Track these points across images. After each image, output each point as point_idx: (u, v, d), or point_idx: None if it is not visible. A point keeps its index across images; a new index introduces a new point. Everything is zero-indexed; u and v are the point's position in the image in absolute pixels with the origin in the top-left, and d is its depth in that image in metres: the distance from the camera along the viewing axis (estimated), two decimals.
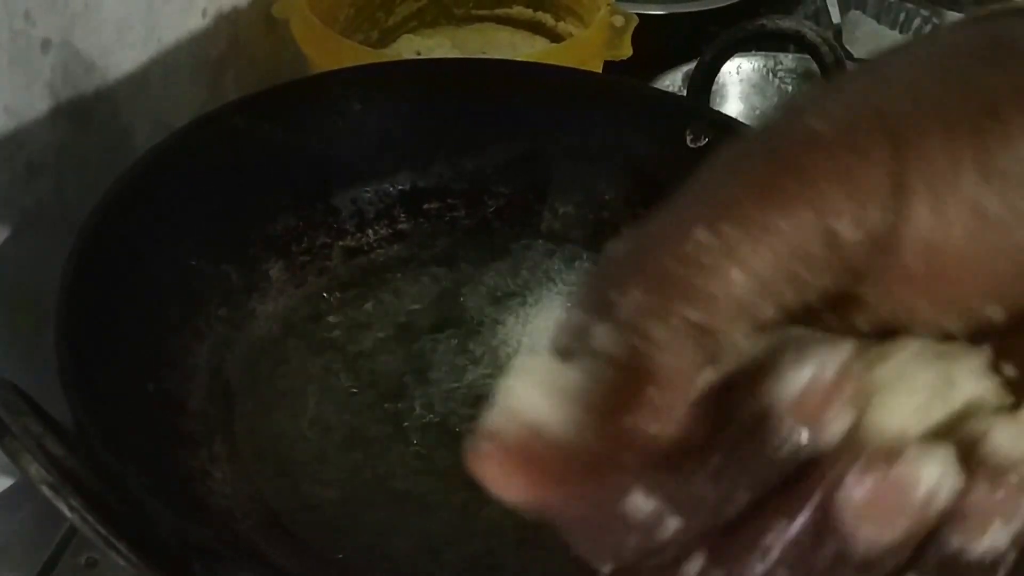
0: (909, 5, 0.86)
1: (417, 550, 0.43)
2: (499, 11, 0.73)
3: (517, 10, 0.73)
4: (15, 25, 0.45)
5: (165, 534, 0.34)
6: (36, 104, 0.48)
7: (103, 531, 0.30)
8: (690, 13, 0.81)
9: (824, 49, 0.51)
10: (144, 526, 0.32)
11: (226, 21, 0.65)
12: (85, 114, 0.52)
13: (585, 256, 0.56)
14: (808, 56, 0.55)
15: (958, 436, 0.19)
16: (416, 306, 0.53)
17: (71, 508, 0.30)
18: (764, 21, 0.53)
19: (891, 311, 0.20)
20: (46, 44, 0.48)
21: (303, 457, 0.46)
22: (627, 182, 0.57)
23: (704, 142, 0.54)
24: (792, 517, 0.18)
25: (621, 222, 0.57)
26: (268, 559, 0.41)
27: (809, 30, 0.52)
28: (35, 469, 0.30)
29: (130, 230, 0.47)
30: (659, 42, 0.68)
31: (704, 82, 0.57)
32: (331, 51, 0.62)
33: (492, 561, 0.43)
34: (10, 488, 0.50)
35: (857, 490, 0.18)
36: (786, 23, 0.53)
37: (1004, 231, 0.19)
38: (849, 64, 0.54)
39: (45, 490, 0.30)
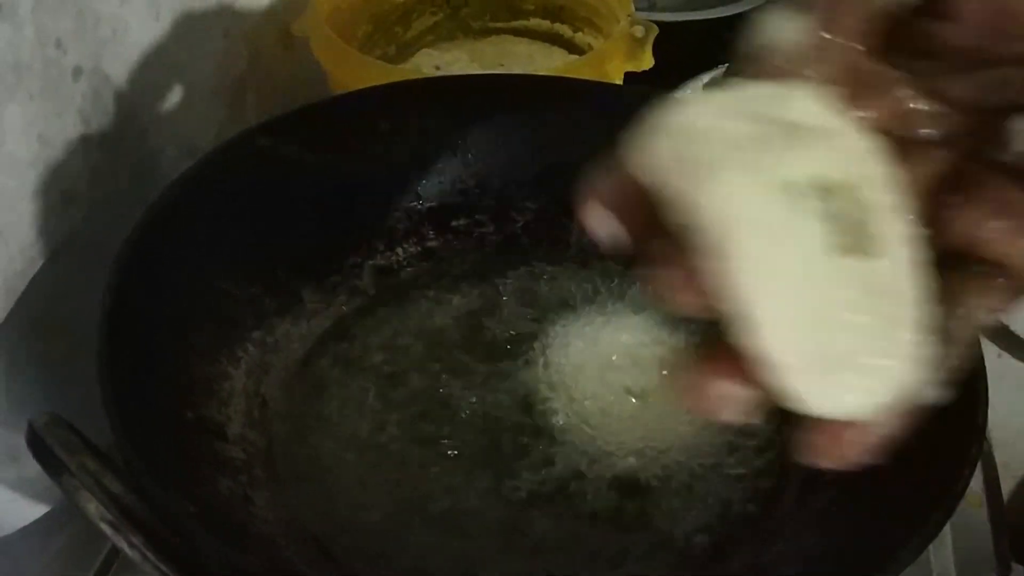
0: None
1: (458, 572, 0.43)
2: (516, 23, 0.73)
3: (534, 22, 0.73)
4: (47, 53, 0.45)
5: (217, 567, 0.34)
6: (68, 132, 0.48)
7: (163, 567, 0.30)
8: (704, 20, 0.80)
9: None
10: (199, 560, 0.32)
11: (246, 41, 0.65)
12: (115, 140, 0.52)
13: (613, 269, 0.56)
14: None
15: None
16: (448, 324, 0.53)
17: (131, 545, 0.30)
18: None
19: None
20: (77, 71, 0.48)
21: (342, 480, 0.46)
22: None
23: None
24: None
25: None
26: None
27: None
28: (94, 507, 0.30)
29: (163, 258, 0.46)
30: (674, 50, 0.68)
31: None
32: (351, 67, 0.62)
33: None
34: (48, 514, 0.50)
35: None
36: None
37: None
38: None
39: (104, 528, 0.30)
